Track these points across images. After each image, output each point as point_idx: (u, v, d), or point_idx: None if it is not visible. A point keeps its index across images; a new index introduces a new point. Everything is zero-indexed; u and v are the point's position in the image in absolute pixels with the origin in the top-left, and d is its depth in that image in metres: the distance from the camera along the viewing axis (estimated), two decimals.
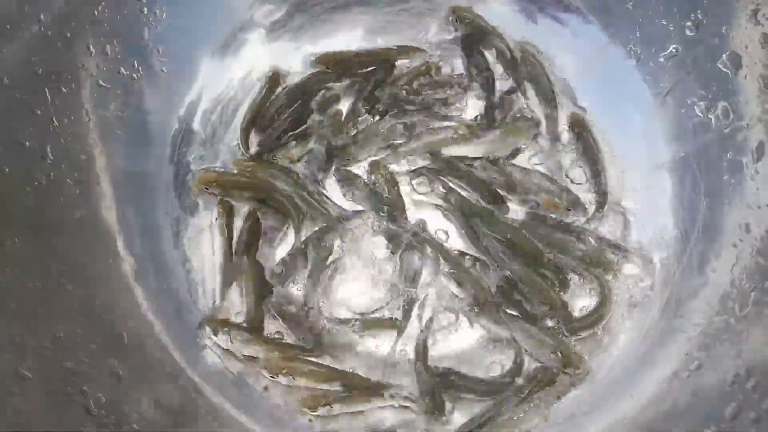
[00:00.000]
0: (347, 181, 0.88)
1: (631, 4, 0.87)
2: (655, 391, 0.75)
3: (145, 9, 0.82)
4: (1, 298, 0.63)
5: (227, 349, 0.80)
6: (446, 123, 0.91)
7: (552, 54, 0.93)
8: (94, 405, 0.65)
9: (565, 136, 0.91)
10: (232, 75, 0.92)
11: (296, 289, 0.84)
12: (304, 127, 0.91)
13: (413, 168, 0.89)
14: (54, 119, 0.73)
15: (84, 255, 0.75)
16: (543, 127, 0.91)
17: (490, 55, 0.94)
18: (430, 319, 0.83)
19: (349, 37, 0.95)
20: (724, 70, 0.79)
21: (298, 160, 0.89)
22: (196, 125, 0.90)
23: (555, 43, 0.93)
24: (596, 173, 0.89)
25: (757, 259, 0.74)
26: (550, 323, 0.82)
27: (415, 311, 0.83)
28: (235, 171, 0.88)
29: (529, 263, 0.84)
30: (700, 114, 0.83)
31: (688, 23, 0.81)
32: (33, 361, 0.63)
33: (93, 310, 0.73)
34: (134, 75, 0.83)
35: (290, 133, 0.90)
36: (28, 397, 0.61)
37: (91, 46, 0.77)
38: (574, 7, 0.91)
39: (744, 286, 0.74)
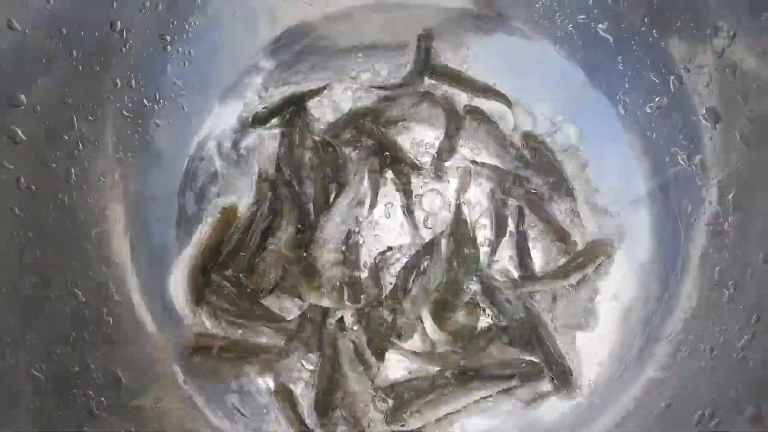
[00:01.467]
0: None
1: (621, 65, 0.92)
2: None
3: (169, 47, 0.90)
4: (18, 304, 0.70)
5: None
6: None
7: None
8: (96, 407, 0.71)
9: None
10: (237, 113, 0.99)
11: None
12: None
13: None
14: (79, 144, 0.81)
15: (97, 270, 0.82)
16: None
17: None
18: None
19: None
20: (705, 122, 0.83)
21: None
22: (208, 157, 0.97)
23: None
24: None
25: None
26: None
27: None
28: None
29: None
30: (682, 162, 0.87)
31: (672, 78, 0.86)
32: (43, 363, 0.69)
33: (102, 321, 0.79)
34: (155, 106, 0.91)
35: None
36: (37, 395, 0.67)
37: (118, 80, 0.84)
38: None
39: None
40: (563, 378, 0.86)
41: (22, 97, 0.72)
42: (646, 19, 0.86)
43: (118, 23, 0.82)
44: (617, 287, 0.90)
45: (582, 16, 0.92)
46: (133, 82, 0.87)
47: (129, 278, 0.86)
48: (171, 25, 0.89)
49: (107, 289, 0.82)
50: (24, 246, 0.72)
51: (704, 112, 0.82)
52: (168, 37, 0.89)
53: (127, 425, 0.74)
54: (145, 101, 0.89)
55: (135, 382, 0.78)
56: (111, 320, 0.80)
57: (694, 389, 0.76)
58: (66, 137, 0.79)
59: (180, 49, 0.91)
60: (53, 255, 0.76)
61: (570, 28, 0.94)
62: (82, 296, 0.78)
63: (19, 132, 0.72)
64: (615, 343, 0.88)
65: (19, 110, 0.72)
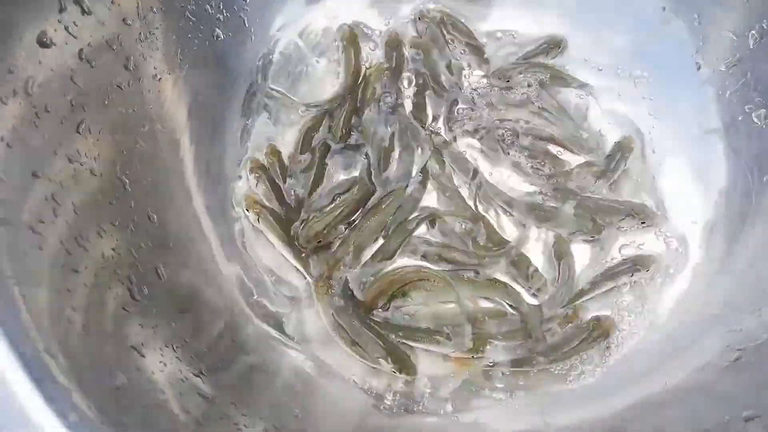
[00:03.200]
0: None
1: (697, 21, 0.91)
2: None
3: None
4: (68, 171, 0.65)
5: None
6: None
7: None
8: (137, 293, 0.67)
9: None
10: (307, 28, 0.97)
11: None
12: None
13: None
14: (141, 33, 0.77)
15: (146, 165, 0.78)
16: None
17: None
18: None
19: None
20: None
21: None
22: (267, 73, 0.94)
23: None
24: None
25: None
26: None
27: None
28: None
29: None
30: (756, 120, 0.84)
31: (753, 32, 0.84)
32: (89, 235, 0.64)
33: (145, 216, 0.75)
34: (219, 16, 0.88)
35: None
36: (80, 262, 0.62)
37: None
38: None
39: None
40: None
41: None
42: None
43: None
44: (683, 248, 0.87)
45: None
46: None
47: (177, 181, 0.81)
48: None
49: (153, 188, 0.78)
50: (80, 118, 0.68)
51: None
52: None
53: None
54: (208, 7, 0.86)
55: (174, 278, 0.73)
56: (156, 217, 0.76)
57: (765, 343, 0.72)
58: (129, 23, 0.76)
59: None
60: (106, 137, 0.71)
61: None
62: (129, 186, 0.73)
63: (87, 1, 0.69)
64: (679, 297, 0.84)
65: None
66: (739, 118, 0.86)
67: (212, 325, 0.77)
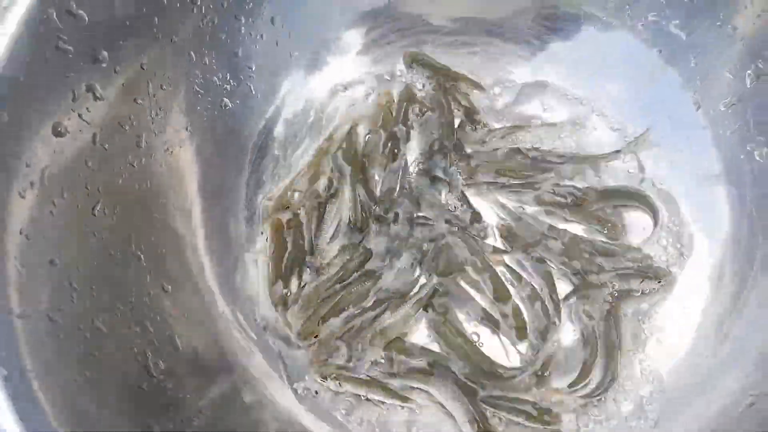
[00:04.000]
0: None
1: (694, 62, 0.92)
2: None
3: (243, 29, 0.91)
4: (85, 253, 0.68)
5: None
6: None
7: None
8: (154, 369, 0.69)
9: None
10: (310, 95, 1.00)
11: None
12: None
13: None
14: (151, 111, 0.81)
15: (160, 237, 0.81)
16: None
17: None
18: None
19: None
20: None
21: None
22: (274, 137, 0.97)
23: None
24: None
25: None
26: None
27: None
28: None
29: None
30: (759, 159, 0.84)
31: (749, 72, 0.85)
32: (106, 316, 0.67)
33: (160, 287, 0.77)
34: (226, 86, 0.91)
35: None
36: (99, 346, 0.64)
37: (193, 54, 0.85)
38: None
39: None
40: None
41: (105, 54, 0.72)
42: (721, 14, 0.86)
43: None
44: (690, 288, 0.87)
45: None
46: (206, 59, 0.88)
47: (190, 250, 0.84)
48: (246, 7, 0.90)
49: (168, 258, 0.80)
50: (95, 200, 0.71)
51: None
52: (242, 19, 0.90)
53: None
54: (216, 79, 0.90)
55: (189, 349, 0.75)
56: (170, 287, 0.78)
57: None
58: (140, 102, 0.79)
59: (252, 33, 0.92)
60: (121, 215, 0.74)
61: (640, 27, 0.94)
62: (144, 260, 0.76)
63: (99, 88, 0.72)
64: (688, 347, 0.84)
65: (101, 67, 0.72)
66: (741, 157, 0.86)
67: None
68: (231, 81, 0.92)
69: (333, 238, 0.93)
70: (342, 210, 0.95)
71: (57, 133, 0.67)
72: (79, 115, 0.70)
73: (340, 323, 0.86)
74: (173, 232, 0.83)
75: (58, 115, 0.67)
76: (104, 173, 0.73)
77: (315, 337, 0.86)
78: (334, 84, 1.02)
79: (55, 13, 0.65)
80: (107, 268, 0.71)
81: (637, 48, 0.95)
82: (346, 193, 0.95)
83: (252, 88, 0.95)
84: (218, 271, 0.86)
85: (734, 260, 0.85)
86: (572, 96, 1.00)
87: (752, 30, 0.84)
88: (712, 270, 0.87)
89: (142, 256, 0.76)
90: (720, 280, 0.86)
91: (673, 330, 0.86)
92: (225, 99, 0.92)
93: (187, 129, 0.87)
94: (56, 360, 0.58)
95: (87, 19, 0.69)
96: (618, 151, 0.94)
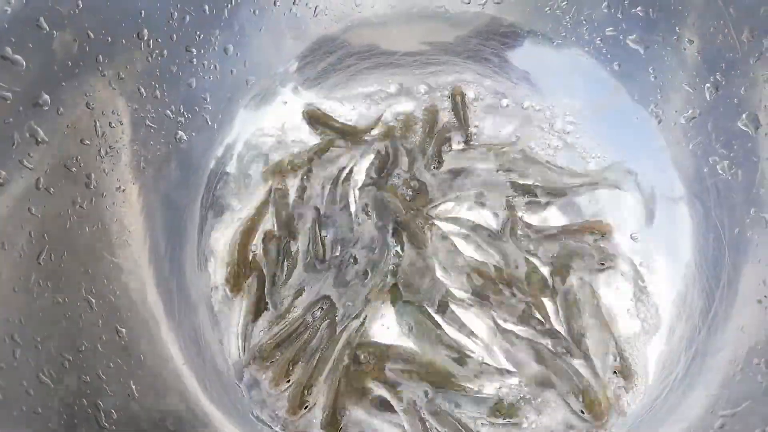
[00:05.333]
0: None
1: (653, 75, 0.91)
2: None
3: (194, 60, 0.89)
4: (31, 305, 0.66)
5: None
6: None
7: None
8: (105, 419, 0.67)
9: None
10: (263, 124, 0.99)
11: None
12: None
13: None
14: (100, 150, 0.79)
15: (113, 280, 0.79)
16: None
17: None
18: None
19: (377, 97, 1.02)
20: (744, 129, 0.80)
21: None
22: (230, 167, 0.96)
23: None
24: None
25: None
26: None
27: None
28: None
29: None
30: (721, 172, 0.83)
31: (707, 85, 0.84)
32: (53, 369, 0.65)
33: (114, 331, 0.75)
34: (179, 119, 0.90)
35: None
36: (44, 401, 0.62)
37: (143, 89, 0.84)
38: None
39: None
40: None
41: (47, 97, 0.71)
42: (677, 28, 0.85)
43: (145, 32, 0.82)
44: (659, 302, 0.86)
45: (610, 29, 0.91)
46: (158, 92, 0.86)
47: (146, 290, 0.82)
48: (197, 38, 0.88)
49: (122, 301, 0.78)
50: (41, 248, 0.69)
51: (744, 118, 0.79)
52: (194, 50, 0.89)
53: None
54: (168, 113, 0.88)
55: (147, 396, 0.73)
56: (125, 331, 0.76)
57: (749, 408, 0.70)
58: (88, 142, 0.78)
59: (205, 63, 0.91)
60: (69, 260, 0.73)
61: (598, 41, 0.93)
62: (96, 305, 0.74)
63: (41, 131, 0.70)
64: (659, 363, 0.83)
65: (42, 110, 0.71)
66: (705, 170, 0.85)
67: None
68: (185, 113, 0.90)
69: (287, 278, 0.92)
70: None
71: None
72: (20, 161, 0.68)
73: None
74: (127, 273, 0.81)
75: None
76: (49, 218, 0.72)
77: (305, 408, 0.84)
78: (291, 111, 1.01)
79: None
80: (54, 317, 0.69)
81: (595, 63, 0.94)
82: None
83: (208, 119, 0.93)
84: (174, 312, 0.84)
85: (700, 274, 0.84)
86: (532, 111, 0.99)
87: (708, 43, 0.82)
88: (679, 283, 0.85)
89: (93, 301, 0.74)
90: (686, 294, 0.84)
91: (640, 352, 0.84)
92: (179, 132, 0.90)
93: (140, 164, 0.85)
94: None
95: (24, 63, 0.68)
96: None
